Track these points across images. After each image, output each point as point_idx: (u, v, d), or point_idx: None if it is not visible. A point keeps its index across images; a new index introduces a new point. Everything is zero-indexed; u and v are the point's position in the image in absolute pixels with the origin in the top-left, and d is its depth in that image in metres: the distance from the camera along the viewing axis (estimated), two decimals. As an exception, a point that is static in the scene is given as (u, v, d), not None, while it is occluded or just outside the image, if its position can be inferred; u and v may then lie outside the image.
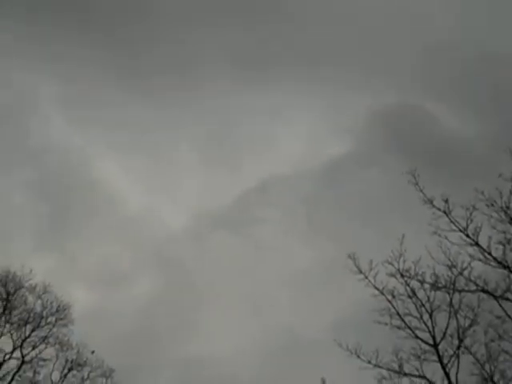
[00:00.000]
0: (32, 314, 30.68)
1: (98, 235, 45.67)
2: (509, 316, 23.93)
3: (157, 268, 45.61)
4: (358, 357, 25.54)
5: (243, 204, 46.72)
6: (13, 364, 30.27)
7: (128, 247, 46.17)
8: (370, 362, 25.53)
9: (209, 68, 45.35)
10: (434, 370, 25.74)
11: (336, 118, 47.83)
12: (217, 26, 45.02)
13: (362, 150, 43.47)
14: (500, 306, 24.30)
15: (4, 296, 30.31)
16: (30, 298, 31.24)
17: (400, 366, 25.66)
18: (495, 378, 25.05)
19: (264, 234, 45.52)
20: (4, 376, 29.89)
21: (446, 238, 24.73)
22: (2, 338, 30.14)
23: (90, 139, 48.07)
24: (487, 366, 25.05)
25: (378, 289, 26.38)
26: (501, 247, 24.04)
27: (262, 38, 43.63)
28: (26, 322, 30.42)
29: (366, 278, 26.33)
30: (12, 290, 30.35)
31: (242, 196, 48.41)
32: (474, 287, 24.86)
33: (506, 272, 24.04)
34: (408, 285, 26.23)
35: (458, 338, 25.66)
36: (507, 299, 24.33)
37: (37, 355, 30.50)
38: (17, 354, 30.35)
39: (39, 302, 31.52)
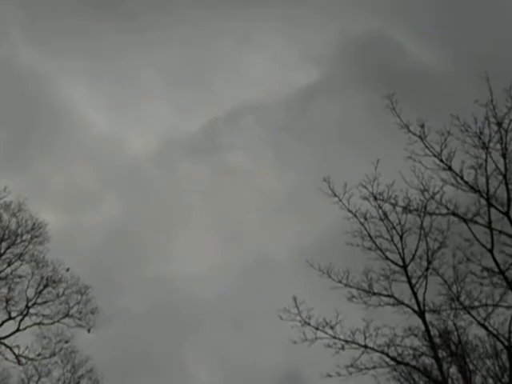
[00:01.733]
0: (7, 232, 31.10)
1: (65, 158, 46.13)
2: (477, 239, 25.19)
3: (126, 190, 46.52)
4: (329, 276, 26.44)
5: (212, 131, 47.44)
6: (-13, 281, 30.79)
7: (95, 170, 46.99)
8: (340, 282, 26.50)
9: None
10: (402, 290, 26.69)
11: (305, 45, 48.20)
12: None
13: (332, 78, 44.05)
14: (469, 229, 25.41)
15: (-22, 213, 30.23)
16: (5, 216, 31.49)
17: (369, 285, 26.66)
18: (461, 298, 26.04)
19: (234, 160, 46.45)
20: (-22, 292, 29.85)
21: (420, 162, 25.62)
22: (-24, 254, 30.75)
23: (54, 65, 47.57)
24: (454, 287, 25.99)
25: (351, 211, 27.25)
26: (473, 172, 25.22)
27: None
28: (1, 240, 30.86)
29: (340, 200, 27.11)
30: (-14, 208, 30.39)
31: (210, 123, 49.19)
32: (444, 211, 25.97)
33: (476, 196, 25.42)
34: (380, 207, 27.13)
35: (427, 259, 26.62)
36: (476, 222, 25.54)
37: (12, 272, 30.90)
38: (-9, 271, 30.74)
39: (14, 219, 31.51)
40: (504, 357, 27.01)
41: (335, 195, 27.05)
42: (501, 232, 25.48)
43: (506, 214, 25.09)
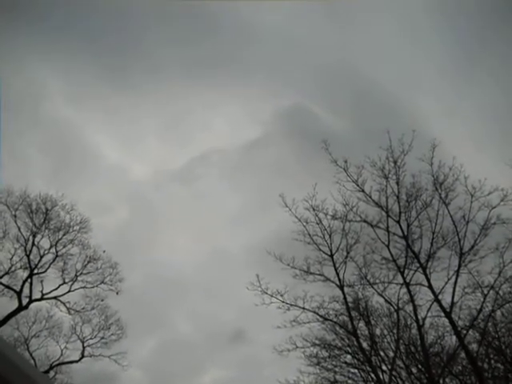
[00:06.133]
0: (63, 224, 35.53)
1: (91, 179, 56.00)
2: (379, 238, 30.25)
3: (131, 202, 57.84)
4: (281, 261, 30.38)
5: (191, 166, 58.69)
6: (50, 257, 35.30)
7: (110, 188, 57.73)
8: (288, 265, 30.53)
9: (171, 75, 54.54)
10: (329, 271, 30.88)
11: (253, 112, 58.26)
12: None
13: (271, 133, 54.12)
14: (374, 231, 30.44)
15: (44, 210, 34.90)
16: (62, 213, 35.66)
17: (308, 267, 30.70)
18: (368, 277, 30.56)
19: (204, 185, 57.68)
20: (43, 265, 34.70)
21: (344, 186, 30.61)
22: (43, 238, 35.14)
23: (85, 118, 56.67)
24: (363, 270, 30.62)
25: (297, 217, 31.33)
26: (378, 193, 30.49)
27: (207, 54, 51.96)
28: (59, 229, 35.35)
29: (290, 210, 31.35)
30: (50, 207, 35.11)
31: (190, 160, 61.96)
32: (358, 219, 30.73)
33: (379, 210, 30.54)
34: (317, 215, 31.19)
35: (347, 251, 30.88)
36: (379, 227, 30.47)
37: (66, 251, 35.53)
38: (52, 250, 35.18)
39: (68, 215, 35.71)
40: (394, 315, 31.01)
41: (286, 206, 31.20)
42: (394, 234, 30.35)
43: (398, 222, 30.24)
